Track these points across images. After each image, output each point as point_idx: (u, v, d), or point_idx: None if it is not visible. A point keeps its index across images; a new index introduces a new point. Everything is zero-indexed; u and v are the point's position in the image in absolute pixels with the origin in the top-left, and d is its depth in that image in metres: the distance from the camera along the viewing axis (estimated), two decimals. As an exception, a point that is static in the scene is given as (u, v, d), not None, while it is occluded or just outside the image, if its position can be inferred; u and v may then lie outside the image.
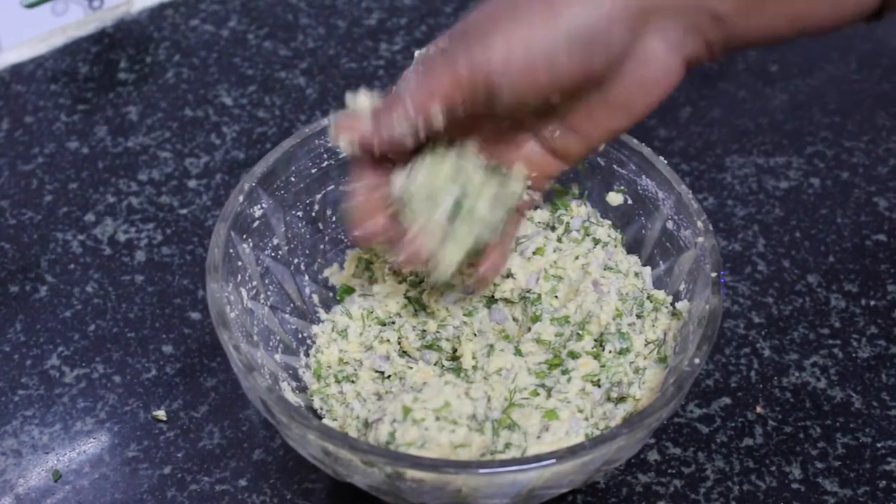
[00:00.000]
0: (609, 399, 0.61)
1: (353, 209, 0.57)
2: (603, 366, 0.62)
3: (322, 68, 0.95)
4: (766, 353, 0.72)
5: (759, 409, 0.69)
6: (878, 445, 0.67)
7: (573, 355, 0.62)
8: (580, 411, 0.60)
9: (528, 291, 0.64)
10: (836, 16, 0.53)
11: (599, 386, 0.61)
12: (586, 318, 0.62)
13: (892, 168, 0.85)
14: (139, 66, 0.95)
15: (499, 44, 0.51)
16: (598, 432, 0.59)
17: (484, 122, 0.57)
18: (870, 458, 0.66)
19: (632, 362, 0.61)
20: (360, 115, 0.55)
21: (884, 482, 0.65)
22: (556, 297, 0.63)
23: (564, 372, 0.61)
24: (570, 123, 0.56)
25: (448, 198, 0.56)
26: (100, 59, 0.96)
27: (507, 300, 0.65)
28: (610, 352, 0.62)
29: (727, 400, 0.69)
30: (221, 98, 0.92)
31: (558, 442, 0.58)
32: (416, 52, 0.54)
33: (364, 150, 0.55)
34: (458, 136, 0.57)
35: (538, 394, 0.60)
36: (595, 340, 0.62)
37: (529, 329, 0.63)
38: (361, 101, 0.55)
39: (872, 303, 0.75)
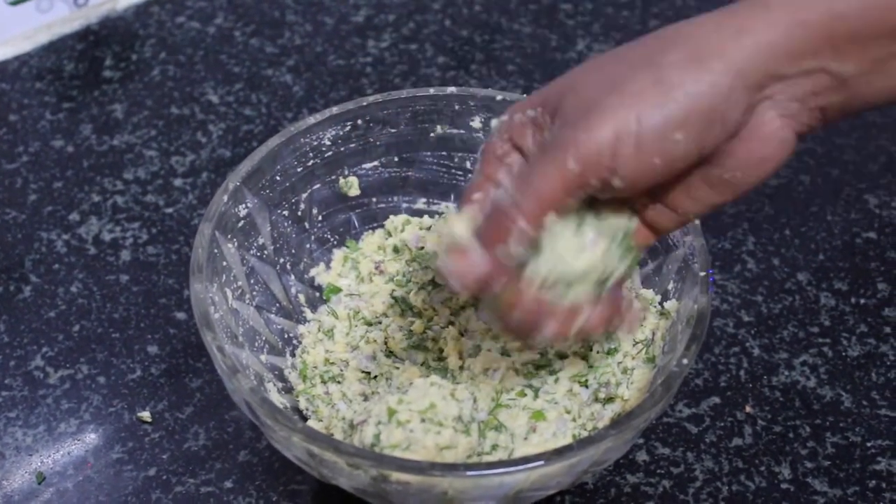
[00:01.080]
0: (597, 400, 0.61)
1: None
2: (591, 366, 0.61)
3: (309, 65, 0.94)
4: (756, 352, 0.71)
5: (748, 409, 0.68)
6: (868, 445, 0.66)
7: (560, 356, 0.61)
8: (567, 412, 0.59)
9: None
10: None
11: (587, 387, 0.61)
12: None
13: (882, 165, 0.85)
14: (125, 64, 0.94)
15: (607, 130, 0.46)
16: (585, 433, 0.59)
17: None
18: (859, 457, 0.66)
19: (620, 362, 0.61)
20: (468, 250, 0.48)
21: (873, 482, 0.65)
22: None
23: (552, 372, 0.61)
24: (670, 202, 0.52)
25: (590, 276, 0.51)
26: (85, 56, 0.95)
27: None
28: (598, 352, 0.61)
29: (716, 399, 0.69)
30: (208, 96, 0.91)
31: (545, 443, 0.57)
32: (494, 122, 0.50)
33: (479, 287, 0.49)
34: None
35: (525, 394, 0.60)
36: (583, 340, 0.62)
37: None
38: (458, 227, 0.49)
39: (862, 301, 0.75)
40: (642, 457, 0.66)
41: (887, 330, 0.73)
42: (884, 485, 0.64)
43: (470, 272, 0.49)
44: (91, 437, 0.67)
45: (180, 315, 0.74)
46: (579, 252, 0.51)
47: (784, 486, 0.64)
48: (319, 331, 0.65)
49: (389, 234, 0.69)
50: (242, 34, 0.98)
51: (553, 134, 0.48)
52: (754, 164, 0.49)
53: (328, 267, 0.69)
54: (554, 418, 0.59)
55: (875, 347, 0.72)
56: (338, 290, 0.67)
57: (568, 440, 0.58)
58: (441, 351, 0.64)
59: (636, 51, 0.48)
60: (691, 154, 0.47)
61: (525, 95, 0.57)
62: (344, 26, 0.99)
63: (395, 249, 0.68)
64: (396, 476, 0.51)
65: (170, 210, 0.81)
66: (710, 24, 0.47)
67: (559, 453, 0.50)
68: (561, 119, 0.48)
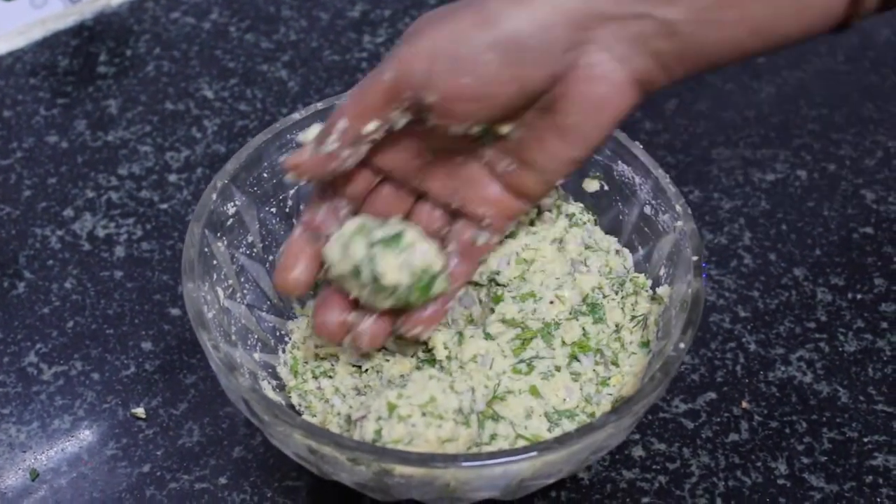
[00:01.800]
0: (596, 364, 0.60)
1: (282, 254, 0.58)
2: (585, 334, 0.61)
3: (304, 61, 0.94)
4: (752, 347, 0.71)
5: (744, 404, 0.68)
6: (865, 440, 0.66)
7: (554, 325, 0.61)
8: (574, 379, 0.59)
9: (497, 274, 0.63)
10: (800, 25, 0.50)
11: (586, 354, 0.60)
12: (559, 291, 0.62)
13: (879, 160, 0.85)
14: (119, 60, 0.94)
15: (423, 47, 0.49)
16: (593, 393, 0.59)
17: (440, 157, 0.56)
18: (856, 452, 0.66)
19: (618, 336, 0.61)
20: (305, 145, 0.54)
21: (870, 477, 0.64)
22: (524, 279, 0.63)
23: (547, 341, 0.61)
24: (523, 156, 0.54)
25: (349, 266, 0.56)
26: (79, 52, 0.95)
27: (475, 283, 0.64)
28: (585, 323, 0.61)
29: (712, 395, 0.69)
30: (202, 91, 0.91)
31: (542, 426, 0.58)
32: None
33: (310, 177, 0.54)
34: (415, 175, 0.57)
35: (520, 371, 0.60)
36: (570, 313, 0.61)
37: (492, 310, 0.62)
38: (312, 132, 0.55)
39: (859, 296, 0.75)
40: (638, 452, 0.65)
41: (884, 325, 0.73)
42: (880, 480, 0.64)
43: (295, 159, 0.54)
44: (85, 434, 0.67)
45: (174, 311, 0.73)
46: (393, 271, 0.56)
47: (780, 481, 0.64)
48: (308, 326, 0.65)
49: None
50: (237, 29, 0.98)
51: (386, 57, 0.52)
52: (592, 106, 0.51)
53: None
54: (560, 385, 0.59)
55: (872, 343, 0.72)
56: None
57: (577, 402, 0.59)
58: (426, 343, 0.63)
59: None
60: (508, 82, 0.49)
61: None
62: (339, 21, 0.98)
63: None
64: (399, 469, 0.51)
65: (164, 206, 0.81)
66: None
67: (560, 441, 0.51)
68: (394, 45, 0.52)
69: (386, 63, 0.51)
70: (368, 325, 0.59)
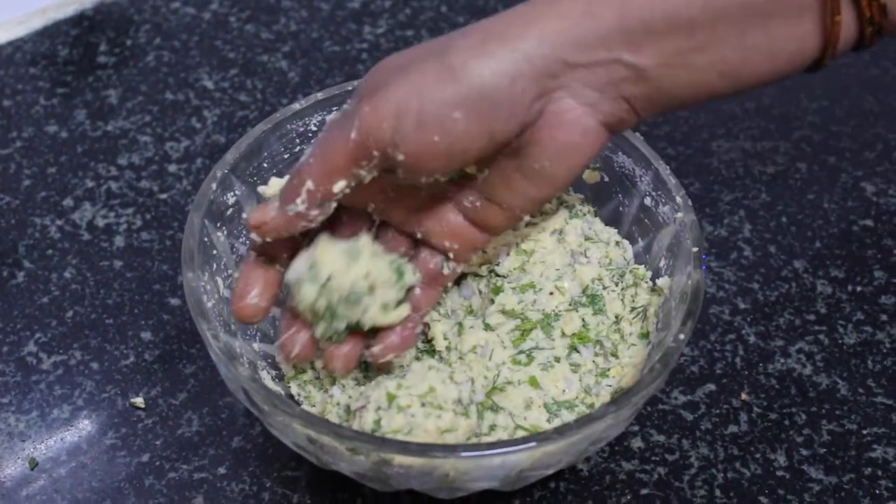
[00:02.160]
0: (596, 355, 0.60)
1: (237, 281, 0.57)
2: (585, 325, 0.61)
3: (305, 52, 0.94)
4: (752, 339, 0.71)
5: (744, 396, 0.68)
6: (864, 432, 0.66)
7: (554, 316, 0.61)
8: (574, 370, 0.59)
9: (497, 265, 0.62)
10: (773, 68, 0.49)
11: (586, 345, 0.60)
12: (559, 282, 0.62)
13: (879, 153, 0.85)
14: (119, 50, 0.94)
15: (388, 105, 0.48)
16: (592, 384, 0.59)
17: (404, 193, 0.55)
18: (855, 445, 0.66)
19: (618, 327, 0.61)
20: (269, 202, 0.53)
21: (869, 469, 0.64)
22: (524, 270, 0.62)
23: (546, 332, 0.61)
24: (489, 194, 0.54)
25: (312, 284, 0.55)
26: (79, 41, 0.95)
27: (475, 275, 0.64)
28: (585, 314, 0.61)
29: (712, 386, 0.68)
30: (202, 81, 0.91)
31: (552, 406, 0.58)
32: (328, 118, 0.53)
33: (274, 236, 0.53)
34: (378, 208, 0.56)
35: (519, 362, 0.60)
36: (570, 304, 0.61)
37: (492, 301, 0.62)
38: (273, 186, 0.54)
39: (859, 289, 0.74)
40: (637, 444, 0.65)
41: (884, 317, 0.73)
42: (879, 472, 0.64)
43: (259, 218, 0.52)
44: (84, 424, 0.67)
45: (174, 301, 0.73)
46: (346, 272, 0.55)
47: (779, 473, 0.64)
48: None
49: None
50: (238, 20, 0.97)
51: (347, 110, 0.50)
52: (561, 152, 0.50)
53: None
54: (559, 376, 0.59)
55: (871, 335, 0.72)
56: None
57: (577, 393, 0.59)
58: (425, 333, 0.63)
59: (436, 41, 0.50)
60: (477, 137, 0.48)
61: None
62: (340, 12, 0.98)
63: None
64: (399, 459, 0.51)
65: (164, 196, 0.81)
66: (507, 16, 0.50)
67: (560, 432, 0.51)
68: (355, 94, 0.50)
69: (349, 121, 0.49)
70: (341, 351, 0.58)
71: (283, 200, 0.52)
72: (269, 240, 0.54)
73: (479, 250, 0.59)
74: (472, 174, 0.54)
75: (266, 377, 0.60)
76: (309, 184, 0.50)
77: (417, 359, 0.62)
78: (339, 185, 0.50)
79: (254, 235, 0.54)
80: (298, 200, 0.51)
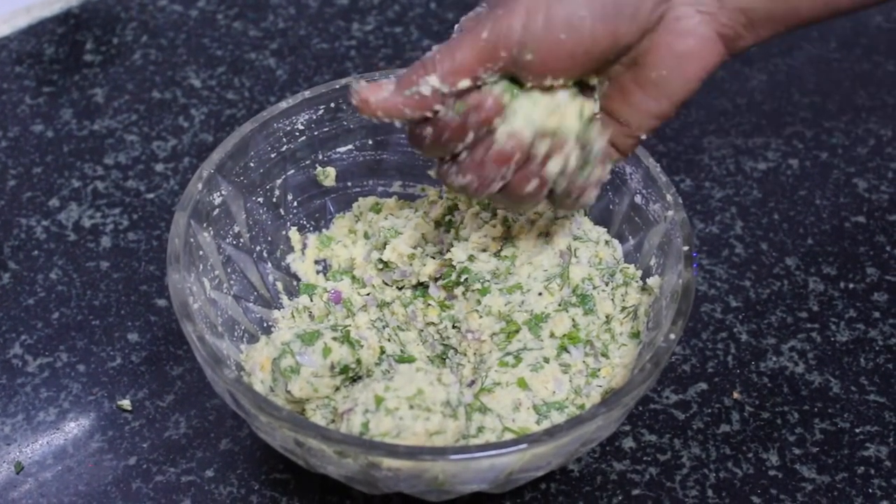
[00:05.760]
0: (586, 355, 0.60)
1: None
2: (575, 325, 0.60)
3: (293, 49, 0.93)
4: (744, 337, 0.71)
5: (735, 395, 0.68)
6: (857, 431, 0.66)
7: (543, 317, 0.61)
8: (564, 371, 0.59)
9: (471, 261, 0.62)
10: None
11: (576, 345, 0.60)
12: (548, 283, 0.61)
13: (871, 149, 0.84)
14: (105, 48, 0.93)
15: (520, 7, 0.49)
16: (582, 385, 0.59)
17: None
18: (848, 443, 0.65)
19: (608, 327, 0.60)
20: (382, 83, 0.52)
21: (862, 468, 0.64)
22: (511, 272, 0.62)
23: (535, 332, 0.60)
24: (609, 108, 0.54)
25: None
26: (65, 40, 0.94)
27: (446, 286, 0.63)
28: (575, 315, 0.61)
29: (704, 385, 0.68)
30: (190, 80, 0.90)
31: (539, 408, 0.58)
32: (461, 19, 0.53)
33: (383, 115, 0.52)
34: None
35: (507, 364, 0.59)
36: (559, 305, 0.61)
37: (479, 302, 0.61)
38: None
39: (851, 286, 0.74)
40: (629, 444, 0.65)
41: (876, 315, 0.72)
42: (872, 471, 0.64)
43: (374, 93, 0.51)
44: (70, 426, 0.66)
45: (161, 302, 0.73)
46: (551, 111, 0.52)
47: (772, 472, 0.64)
48: (293, 316, 0.64)
49: (358, 218, 0.69)
50: (225, 17, 0.97)
51: (479, 14, 0.51)
52: (677, 60, 0.51)
53: (303, 254, 0.68)
54: (549, 376, 0.58)
55: (864, 332, 0.71)
56: (314, 287, 0.67)
57: (566, 394, 0.58)
58: (402, 351, 0.63)
59: None
60: (602, 37, 0.49)
61: None
62: (328, 9, 0.97)
63: (366, 235, 0.68)
64: (387, 462, 0.50)
65: (151, 196, 0.80)
66: None
67: (550, 433, 0.50)
68: (488, 4, 0.51)
69: (480, 23, 0.50)
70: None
71: (400, 85, 0.51)
72: (370, 118, 0.52)
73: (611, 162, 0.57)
74: (591, 85, 0.54)
75: (255, 380, 0.60)
76: (433, 79, 0.50)
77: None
78: (463, 84, 0.50)
79: (356, 101, 0.52)
80: (421, 85, 0.51)
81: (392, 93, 0.51)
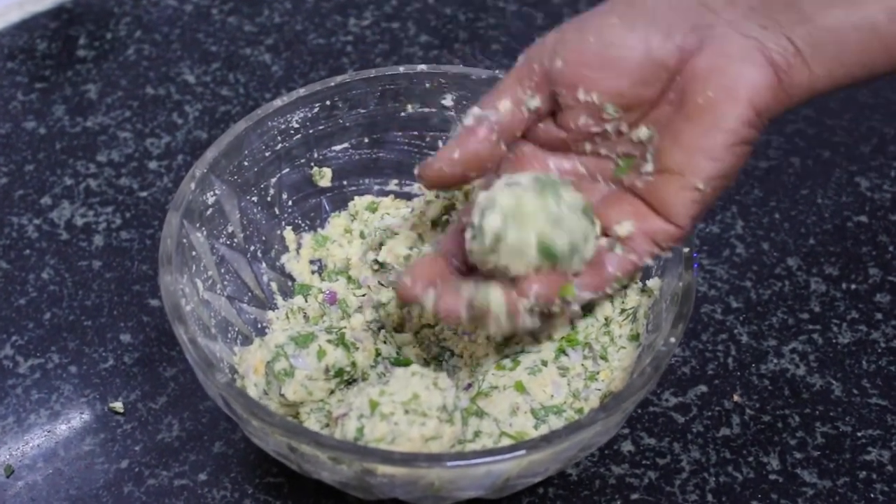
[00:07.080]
0: (585, 358, 0.59)
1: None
2: (573, 328, 0.60)
3: (288, 44, 0.92)
4: (744, 339, 0.70)
5: (736, 398, 0.67)
6: (859, 434, 0.65)
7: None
8: (562, 374, 0.58)
9: None
10: None
11: (575, 348, 0.59)
12: None
13: (874, 147, 0.83)
14: (99, 43, 0.92)
15: (554, 29, 0.52)
16: (581, 388, 0.58)
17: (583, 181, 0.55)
18: (850, 447, 0.64)
19: (607, 330, 0.60)
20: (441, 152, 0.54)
21: (864, 472, 0.63)
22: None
23: (532, 334, 0.59)
24: (660, 161, 0.51)
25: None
26: (58, 35, 0.93)
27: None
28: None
29: (703, 388, 0.67)
30: (184, 76, 0.89)
31: (537, 413, 0.57)
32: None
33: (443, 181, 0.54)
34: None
35: (504, 367, 0.59)
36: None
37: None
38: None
39: (853, 286, 0.73)
40: (627, 447, 0.64)
41: (879, 316, 0.71)
42: (874, 476, 0.63)
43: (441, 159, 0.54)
44: (62, 429, 0.65)
45: (154, 302, 0.72)
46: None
47: (772, 477, 0.63)
48: (287, 317, 0.64)
49: (353, 217, 0.68)
50: (220, 12, 0.96)
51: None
52: (722, 82, 0.49)
53: (298, 254, 0.67)
54: (547, 380, 0.57)
55: (866, 334, 0.70)
56: (309, 287, 0.66)
57: (564, 398, 0.58)
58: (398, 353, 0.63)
59: None
60: (633, 46, 0.50)
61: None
62: (324, 4, 0.97)
63: (362, 235, 0.67)
64: (382, 469, 0.49)
65: (144, 194, 0.79)
66: None
67: (547, 439, 0.49)
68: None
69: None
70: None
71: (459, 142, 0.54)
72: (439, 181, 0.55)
73: (661, 248, 0.54)
74: (640, 140, 0.52)
75: (248, 383, 0.59)
76: (475, 109, 0.53)
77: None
78: (505, 105, 0.53)
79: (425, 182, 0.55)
80: (467, 121, 0.54)
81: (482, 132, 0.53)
